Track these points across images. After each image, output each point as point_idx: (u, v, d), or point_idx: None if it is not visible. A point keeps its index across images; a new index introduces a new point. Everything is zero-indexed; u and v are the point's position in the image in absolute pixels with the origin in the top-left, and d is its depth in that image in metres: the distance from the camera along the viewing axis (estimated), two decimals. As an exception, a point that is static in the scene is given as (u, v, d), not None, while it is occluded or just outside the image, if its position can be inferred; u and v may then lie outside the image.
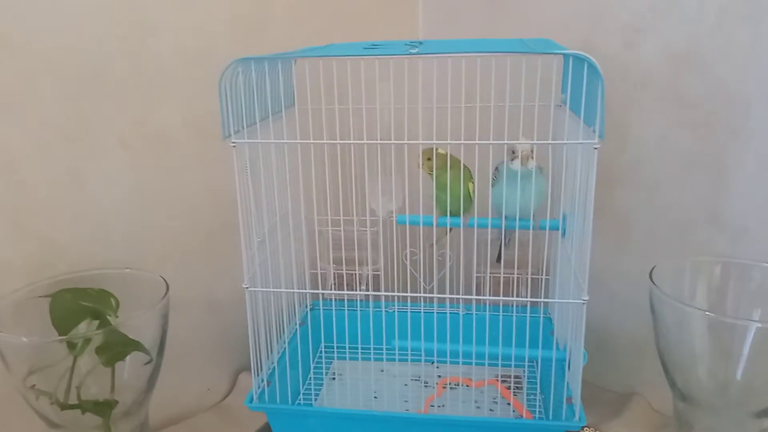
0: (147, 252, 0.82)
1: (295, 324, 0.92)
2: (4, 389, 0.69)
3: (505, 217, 0.78)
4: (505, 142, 0.70)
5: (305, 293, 0.96)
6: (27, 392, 0.64)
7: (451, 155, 0.77)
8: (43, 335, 0.65)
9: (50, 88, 0.70)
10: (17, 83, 0.68)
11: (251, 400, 0.75)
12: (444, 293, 0.75)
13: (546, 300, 0.85)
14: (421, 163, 0.79)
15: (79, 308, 0.67)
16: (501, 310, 0.86)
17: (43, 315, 0.65)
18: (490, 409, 0.85)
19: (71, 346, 0.63)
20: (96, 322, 0.67)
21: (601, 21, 0.83)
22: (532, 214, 0.77)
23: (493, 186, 0.79)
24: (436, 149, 0.77)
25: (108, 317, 0.67)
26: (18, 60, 0.67)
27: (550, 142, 0.66)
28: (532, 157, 0.74)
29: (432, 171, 0.77)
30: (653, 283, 0.69)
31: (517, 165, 0.74)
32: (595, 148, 0.59)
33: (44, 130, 0.71)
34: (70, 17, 0.70)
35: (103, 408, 0.66)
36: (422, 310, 0.93)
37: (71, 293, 0.68)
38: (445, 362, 0.89)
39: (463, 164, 0.79)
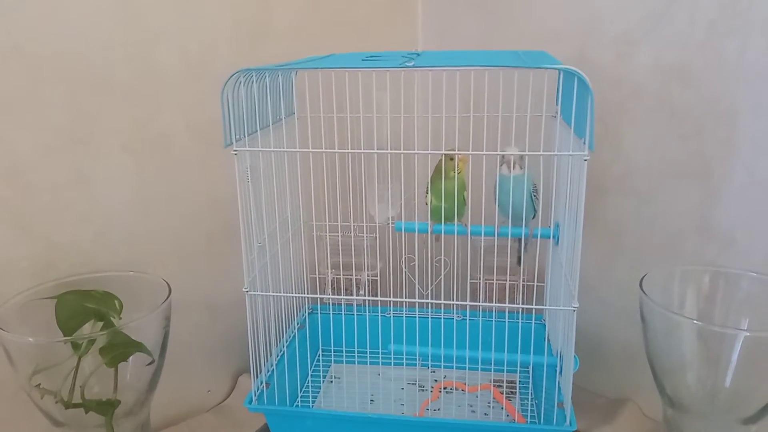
0: (149, 255, 0.83)
1: (295, 327, 0.93)
2: (9, 388, 0.71)
3: (504, 221, 0.79)
4: (498, 153, 0.72)
5: (304, 297, 0.98)
6: (32, 391, 0.65)
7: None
8: (48, 335, 0.67)
9: (56, 93, 0.72)
10: (24, 88, 0.70)
11: (250, 402, 0.76)
12: (440, 299, 0.76)
13: (538, 307, 0.86)
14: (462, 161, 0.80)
15: (84, 310, 0.68)
16: (495, 316, 0.88)
17: (48, 316, 0.67)
18: (485, 413, 0.86)
19: (75, 346, 0.65)
20: (100, 324, 0.69)
21: (594, 33, 0.85)
22: (524, 219, 0.79)
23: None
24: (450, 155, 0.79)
25: (111, 319, 0.69)
26: (24, 66, 0.69)
27: (541, 153, 0.68)
28: (521, 165, 0.77)
29: (452, 171, 0.79)
30: (643, 291, 0.70)
31: (506, 170, 0.78)
32: (585, 160, 0.61)
33: (50, 134, 0.73)
34: (76, 24, 0.72)
35: (105, 407, 0.68)
36: (418, 315, 0.94)
37: (76, 295, 0.69)
38: (441, 367, 0.90)
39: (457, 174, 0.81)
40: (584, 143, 0.60)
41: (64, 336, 0.66)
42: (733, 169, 0.76)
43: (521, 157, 0.78)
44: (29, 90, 0.70)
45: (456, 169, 0.78)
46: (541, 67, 0.62)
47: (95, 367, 0.66)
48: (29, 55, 0.69)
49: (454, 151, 0.75)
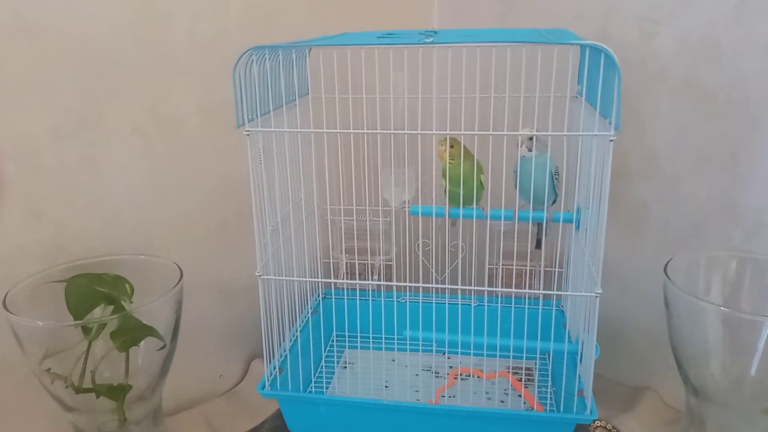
0: (160, 239, 0.82)
1: (308, 312, 0.92)
2: (20, 372, 0.71)
3: (524, 204, 0.78)
4: (519, 133, 0.70)
5: (318, 282, 0.97)
6: (43, 376, 0.65)
7: (464, 146, 0.77)
8: (58, 320, 0.66)
9: (65, 75, 0.71)
10: (33, 70, 0.68)
11: (263, 387, 0.75)
12: (456, 284, 0.75)
13: (559, 293, 0.85)
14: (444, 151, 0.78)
15: (95, 293, 0.68)
16: (513, 302, 0.86)
17: (59, 300, 0.66)
18: (501, 401, 0.85)
19: (86, 330, 0.64)
20: (111, 308, 0.68)
21: (617, 11, 0.83)
22: (545, 203, 0.77)
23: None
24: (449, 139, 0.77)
25: (122, 303, 0.68)
26: (33, 47, 0.68)
27: (564, 133, 0.66)
28: (528, 147, 0.75)
29: (448, 160, 0.77)
30: (668, 277, 0.69)
31: (525, 151, 0.76)
32: (611, 141, 0.59)
33: (59, 117, 0.71)
34: (85, 4, 0.71)
35: (117, 392, 0.67)
36: (434, 301, 0.93)
37: (87, 278, 0.68)
38: (457, 353, 0.89)
39: (476, 157, 0.79)
40: (610, 123, 0.58)
41: (75, 320, 0.65)
42: (762, 152, 0.74)
43: (539, 138, 0.76)
44: (38, 71, 0.69)
45: (445, 157, 0.76)
46: (566, 43, 0.60)
47: (106, 352, 0.66)
48: (38, 35, 0.68)
49: (448, 138, 0.73)
